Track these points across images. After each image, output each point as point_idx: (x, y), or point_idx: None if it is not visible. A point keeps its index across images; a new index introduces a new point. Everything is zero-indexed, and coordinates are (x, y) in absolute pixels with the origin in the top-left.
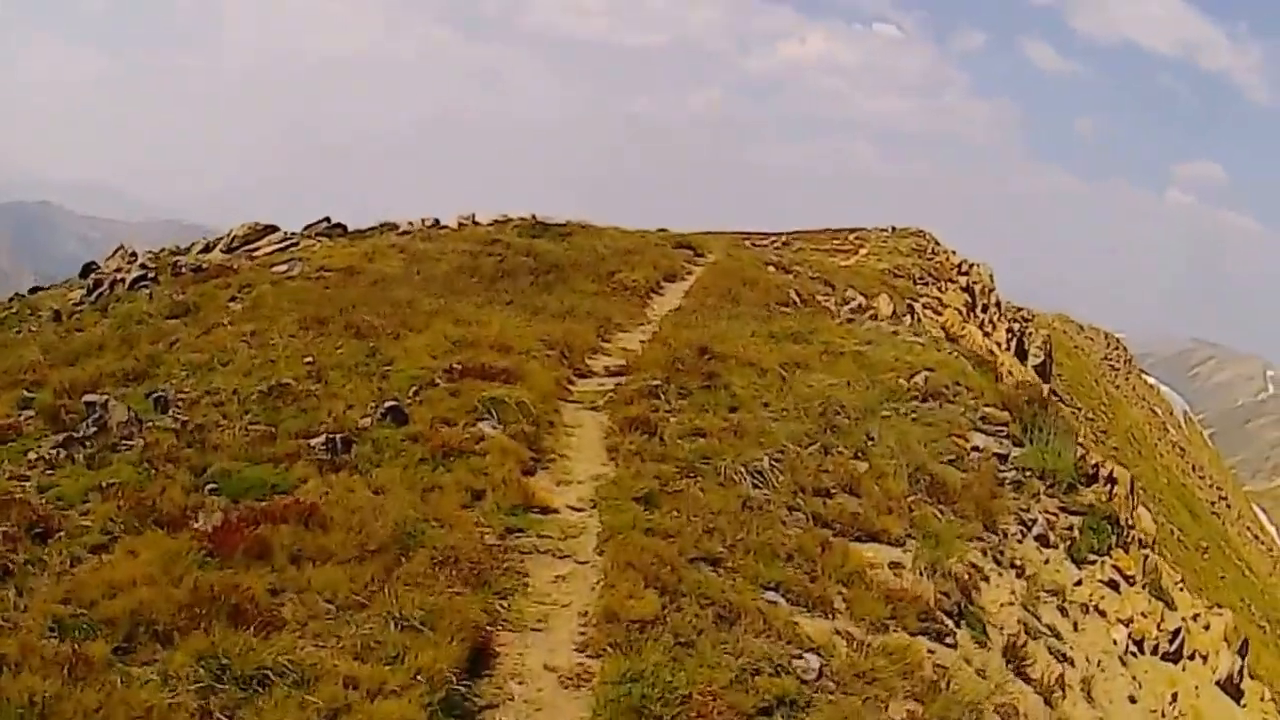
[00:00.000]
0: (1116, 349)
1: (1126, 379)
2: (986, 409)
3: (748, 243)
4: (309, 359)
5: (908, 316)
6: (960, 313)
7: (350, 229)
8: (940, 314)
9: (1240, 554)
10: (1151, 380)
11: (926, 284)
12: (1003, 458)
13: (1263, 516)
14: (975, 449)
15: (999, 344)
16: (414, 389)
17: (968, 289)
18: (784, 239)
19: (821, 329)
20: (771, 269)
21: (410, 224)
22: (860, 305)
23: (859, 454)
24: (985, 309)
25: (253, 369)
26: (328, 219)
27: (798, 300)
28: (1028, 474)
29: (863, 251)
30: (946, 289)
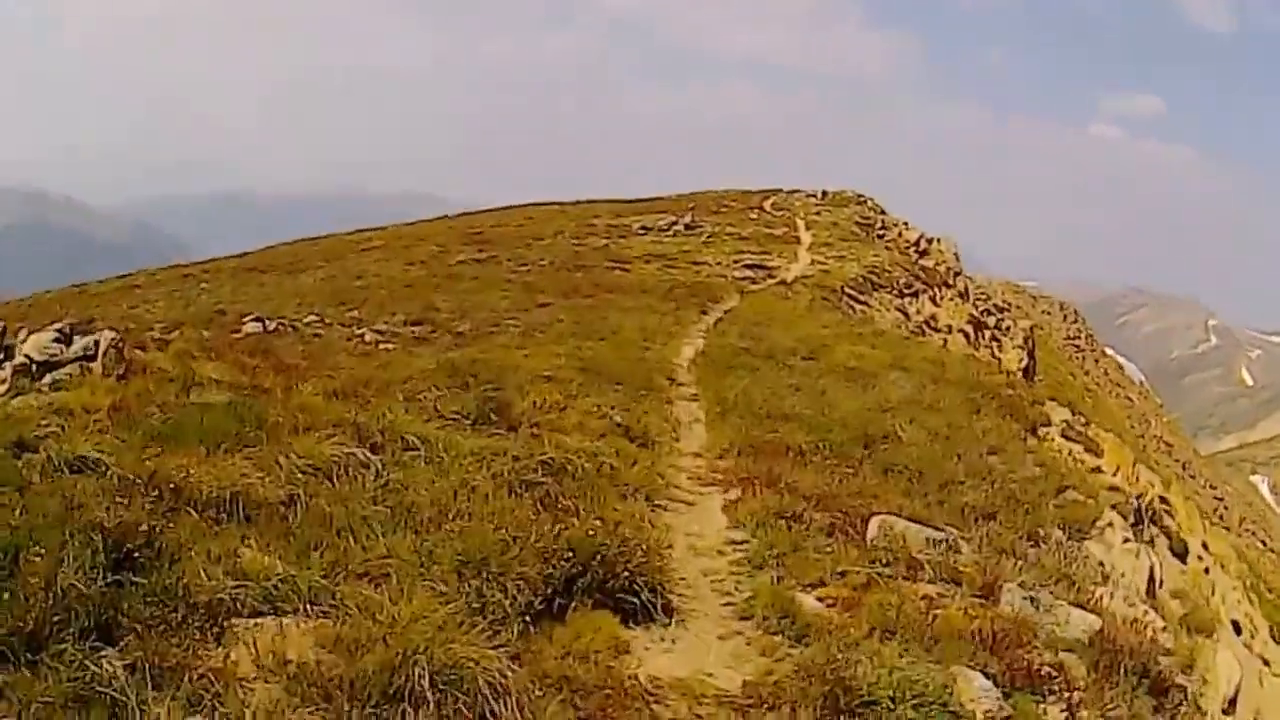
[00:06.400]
0: (1074, 321)
1: (1096, 362)
2: None
3: (638, 226)
4: None
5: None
6: (967, 336)
7: None
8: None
9: (1266, 577)
10: (1109, 351)
11: (915, 293)
12: None
13: (1264, 488)
14: None
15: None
16: None
17: (963, 292)
18: (687, 214)
19: None
20: None
21: None
22: None
23: None
24: (970, 301)
25: None
26: None
27: None
28: None
29: (805, 234)
30: (941, 297)
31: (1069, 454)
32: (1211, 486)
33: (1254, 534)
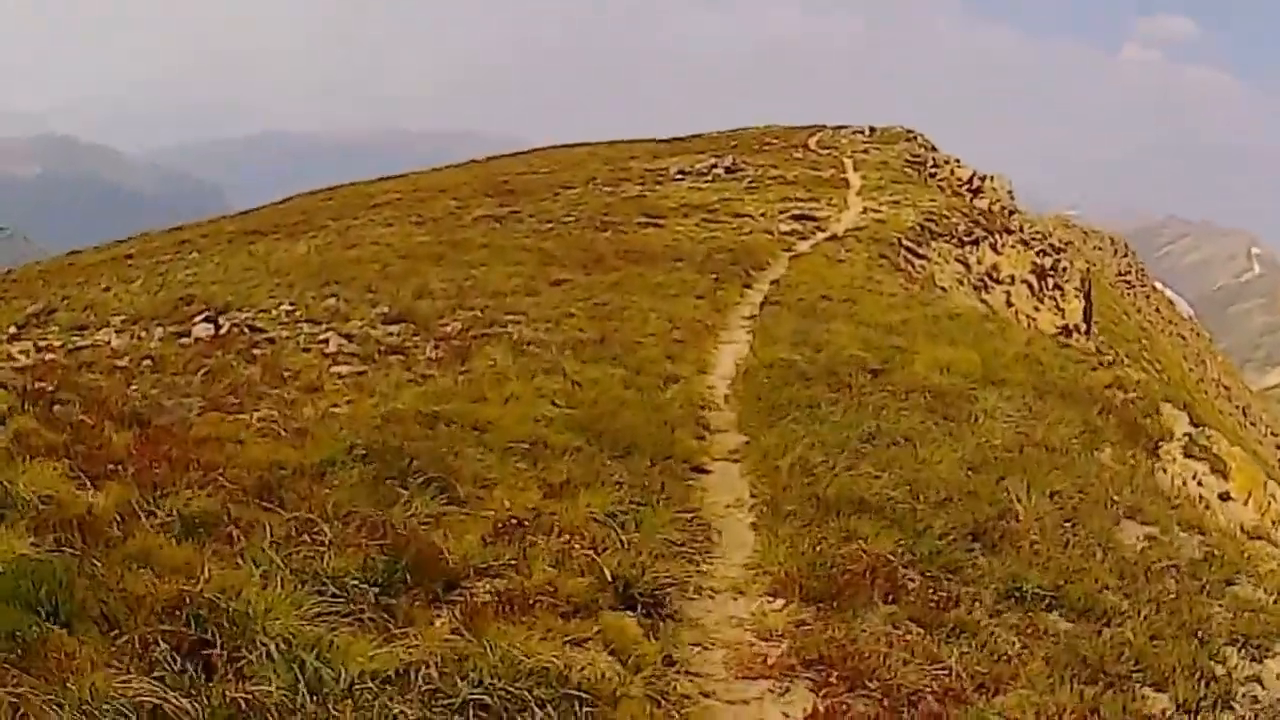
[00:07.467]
0: (1124, 255)
1: (1148, 299)
2: None
3: (675, 170)
4: None
5: None
6: (1031, 287)
7: None
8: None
9: None
10: (1157, 284)
11: (975, 241)
12: None
13: None
14: None
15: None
16: None
17: (1023, 238)
18: (727, 155)
19: None
20: None
21: None
22: None
23: None
24: (1029, 245)
25: None
26: None
27: None
28: None
29: (854, 176)
30: (1003, 245)
31: (1194, 479)
32: (1274, 434)
33: None
